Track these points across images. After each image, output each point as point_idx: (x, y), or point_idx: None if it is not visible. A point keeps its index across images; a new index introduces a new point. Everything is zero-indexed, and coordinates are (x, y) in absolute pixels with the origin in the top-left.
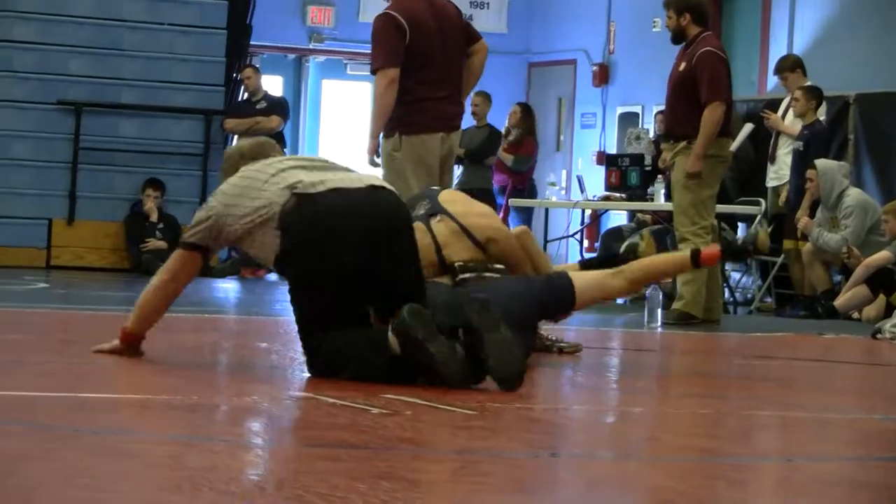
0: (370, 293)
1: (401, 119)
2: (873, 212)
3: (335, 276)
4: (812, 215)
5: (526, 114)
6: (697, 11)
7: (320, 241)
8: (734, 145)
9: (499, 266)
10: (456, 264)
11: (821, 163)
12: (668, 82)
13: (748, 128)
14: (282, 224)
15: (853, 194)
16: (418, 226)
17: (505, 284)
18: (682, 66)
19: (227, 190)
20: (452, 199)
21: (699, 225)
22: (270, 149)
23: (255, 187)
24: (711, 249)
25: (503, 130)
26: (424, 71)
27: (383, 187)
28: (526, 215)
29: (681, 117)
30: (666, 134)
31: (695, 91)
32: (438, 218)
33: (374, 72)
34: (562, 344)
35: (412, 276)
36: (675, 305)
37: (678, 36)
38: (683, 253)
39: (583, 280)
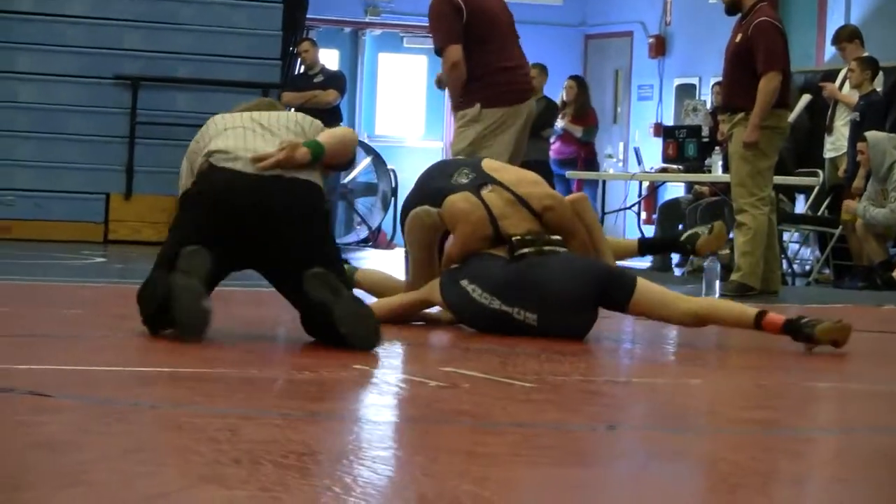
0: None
1: (478, 91)
2: None
3: (209, 243)
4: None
5: (581, 87)
6: None
7: (204, 214)
8: (792, 116)
9: (556, 238)
10: (514, 239)
11: (871, 135)
12: (724, 54)
13: (805, 99)
14: (194, 179)
15: None
16: (469, 198)
17: (566, 263)
18: (739, 37)
19: (196, 136)
20: (498, 167)
21: (757, 196)
22: (267, 107)
23: (208, 135)
24: (776, 318)
25: (559, 103)
26: (489, 44)
27: (281, 177)
28: (592, 188)
29: (738, 89)
30: (723, 106)
31: (751, 62)
32: (490, 188)
33: (437, 53)
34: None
35: (298, 257)
36: (734, 277)
37: (733, 7)
38: (750, 312)
39: (649, 289)
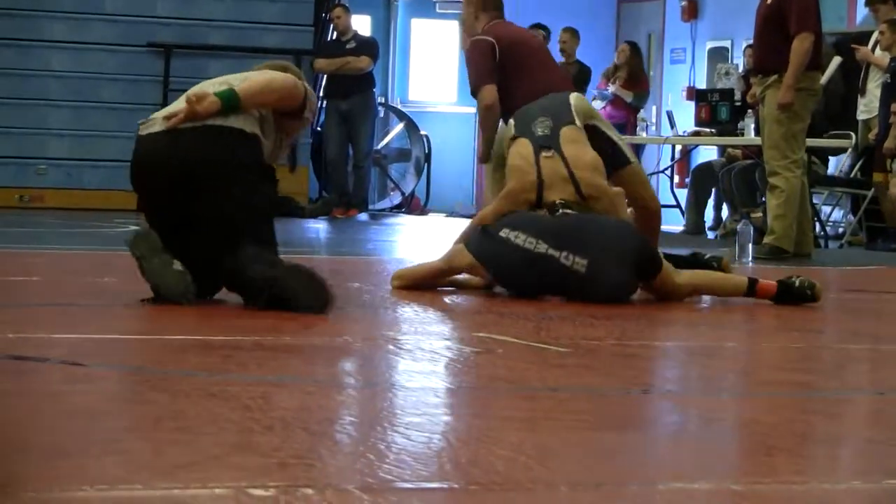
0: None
1: None
2: None
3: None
4: None
5: (634, 52)
6: None
7: (133, 186)
8: (824, 78)
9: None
10: (558, 201)
11: None
12: (756, 16)
13: (837, 61)
14: None
15: None
16: (528, 155)
17: (618, 222)
18: None
19: None
20: (573, 136)
21: (790, 159)
22: (279, 68)
23: None
24: (769, 284)
25: (611, 67)
26: (526, 77)
27: (194, 128)
28: (637, 151)
29: (770, 51)
30: (755, 68)
31: (784, 24)
32: (550, 153)
33: (472, 94)
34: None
35: (219, 216)
36: (766, 240)
37: None
38: (742, 279)
39: (667, 267)
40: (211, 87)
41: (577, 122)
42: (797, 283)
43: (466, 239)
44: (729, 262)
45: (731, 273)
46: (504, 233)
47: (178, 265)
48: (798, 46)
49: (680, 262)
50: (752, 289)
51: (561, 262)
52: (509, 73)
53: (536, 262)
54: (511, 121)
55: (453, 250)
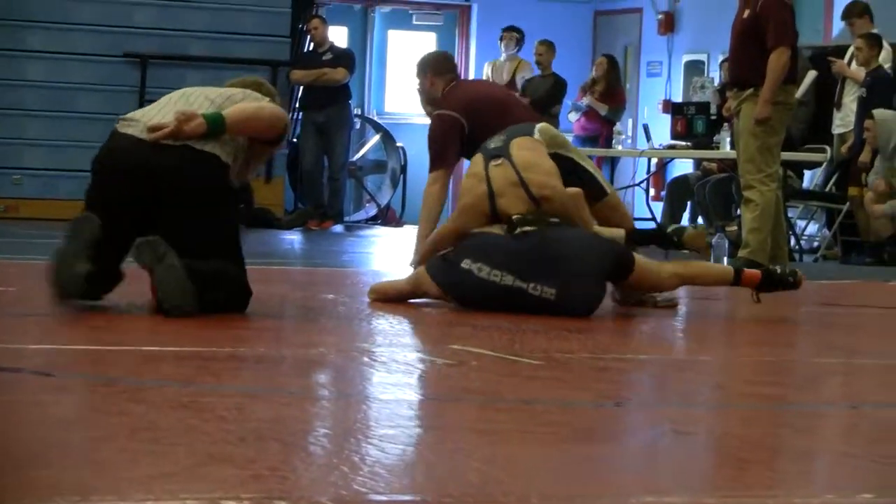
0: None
1: None
2: None
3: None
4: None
5: (612, 65)
6: None
7: (94, 176)
8: (799, 92)
9: (554, 219)
10: (514, 217)
11: (878, 112)
12: (732, 30)
13: (812, 75)
14: None
15: None
16: (478, 171)
17: (581, 236)
18: (746, 12)
19: None
20: (524, 145)
21: (765, 172)
22: (253, 86)
23: None
24: (754, 273)
25: (589, 80)
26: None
27: (173, 145)
28: (604, 166)
29: (746, 65)
30: (731, 82)
31: (760, 38)
32: (499, 161)
33: (430, 170)
34: (658, 298)
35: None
36: (741, 253)
37: None
38: (728, 268)
39: (640, 261)
40: (199, 102)
41: (537, 136)
42: (779, 271)
43: (426, 259)
44: (693, 234)
45: (695, 244)
46: (466, 264)
47: (82, 268)
48: (775, 61)
49: (645, 237)
50: (737, 277)
51: (529, 294)
52: (478, 134)
53: (503, 295)
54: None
55: (419, 275)
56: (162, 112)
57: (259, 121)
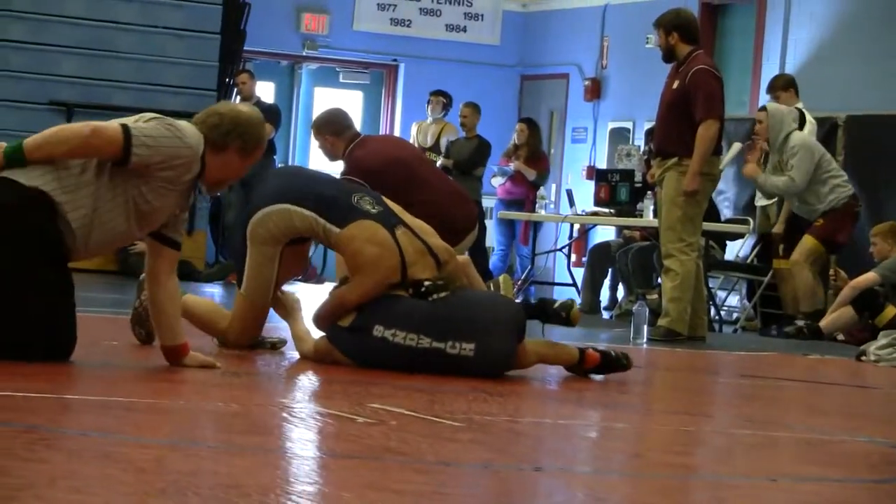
0: None
1: None
2: (819, 154)
3: None
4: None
5: (532, 129)
6: (685, 30)
7: None
8: (723, 164)
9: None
10: (426, 283)
11: (771, 105)
12: (660, 100)
13: (737, 147)
14: None
15: (798, 136)
16: (383, 240)
17: (484, 294)
18: (676, 84)
19: None
20: (399, 209)
21: (686, 242)
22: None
23: None
24: (594, 355)
25: (511, 146)
26: (416, 193)
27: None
28: (533, 228)
29: (672, 135)
30: (656, 151)
31: (688, 110)
32: (402, 230)
33: None
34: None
35: None
36: (661, 322)
37: (668, 55)
38: (575, 350)
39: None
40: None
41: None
42: (613, 355)
43: (327, 325)
44: (579, 311)
45: (577, 321)
46: (378, 331)
47: None
48: (703, 133)
49: (530, 311)
50: (581, 359)
51: (447, 353)
52: (395, 193)
53: (420, 358)
54: (305, 212)
55: (324, 348)
56: None
57: (60, 142)
